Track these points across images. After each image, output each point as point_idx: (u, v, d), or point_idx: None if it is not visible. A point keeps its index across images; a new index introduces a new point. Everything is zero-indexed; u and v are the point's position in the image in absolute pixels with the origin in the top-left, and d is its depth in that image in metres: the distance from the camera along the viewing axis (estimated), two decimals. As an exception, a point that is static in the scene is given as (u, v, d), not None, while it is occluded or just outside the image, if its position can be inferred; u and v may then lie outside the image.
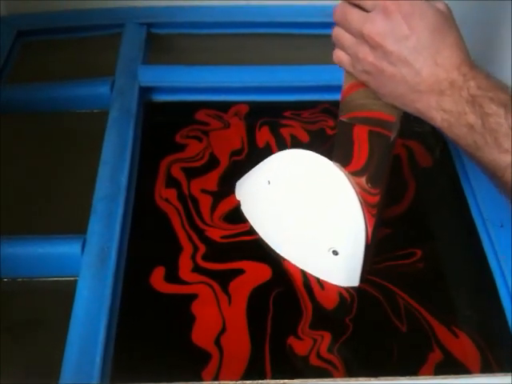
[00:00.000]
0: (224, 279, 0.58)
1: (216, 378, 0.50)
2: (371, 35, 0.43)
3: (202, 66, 0.78)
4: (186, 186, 0.67)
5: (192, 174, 0.68)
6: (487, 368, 0.51)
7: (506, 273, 0.57)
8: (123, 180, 0.63)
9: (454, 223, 0.65)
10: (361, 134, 0.51)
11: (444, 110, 0.42)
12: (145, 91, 0.77)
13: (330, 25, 0.86)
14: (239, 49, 0.87)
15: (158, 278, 0.58)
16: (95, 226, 0.59)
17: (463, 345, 0.53)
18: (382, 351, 0.53)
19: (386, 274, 0.58)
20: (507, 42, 0.65)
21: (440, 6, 0.44)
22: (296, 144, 0.71)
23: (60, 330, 0.51)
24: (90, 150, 0.68)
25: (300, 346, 0.53)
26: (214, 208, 0.64)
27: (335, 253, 0.55)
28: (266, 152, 0.67)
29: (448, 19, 0.43)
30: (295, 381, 0.35)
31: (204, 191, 0.66)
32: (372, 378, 0.30)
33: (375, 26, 0.42)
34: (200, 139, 0.72)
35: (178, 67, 0.78)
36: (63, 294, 0.55)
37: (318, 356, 0.52)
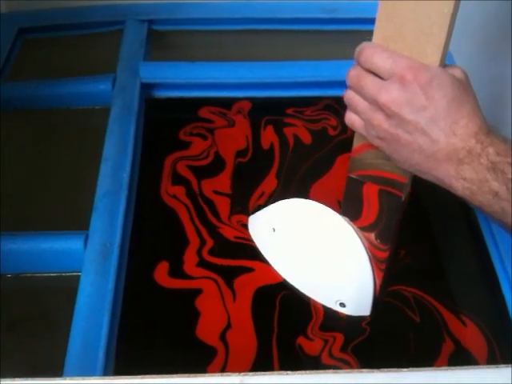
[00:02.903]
0: (229, 275, 0.58)
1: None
2: (387, 104, 0.41)
3: (203, 62, 0.78)
4: (196, 184, 0.66)
5: (200, 173, 0.68)
6: (491, 356, 0.52)
7: (506, 264, 0.58)
8: (125, 176, 0.63)
9: (456, 220, 0.65)
10: (370, 192, 0.51)
11: (464, 178, 0.41)
12: (146, 88, 0.77)
13: (330, 21, 0.87)
14: (240, 45, 0.87)
15: (161, 273, 0.58)
16: (97, 221, 0.59)
17: (471, 333, 0.54)
18: (396, 347, 0.54)
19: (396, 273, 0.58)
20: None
21: (457, 72, 0.42)
22: (299, 147, 0.71)
23: (63, 326, 0.52)
24: (91, 147, 0.68)
25: (310, 345, 0.53)
26: (233, 212, 0.64)
27: (342, 305, 0.55)
28: (270, 155, 0.68)
29: (465, 87, 0.42)
30: (298, 372, 0.35)
31: (218, 193, 0.66)
32: (375, 370, 0.30)
33: (391, 94, 0.41)
34: (204, 137, 0.72)
35: (179, 63, 0.78)
36: (66, 290, 0.55)
37: (331, 355, 0.52)
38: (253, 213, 0.62)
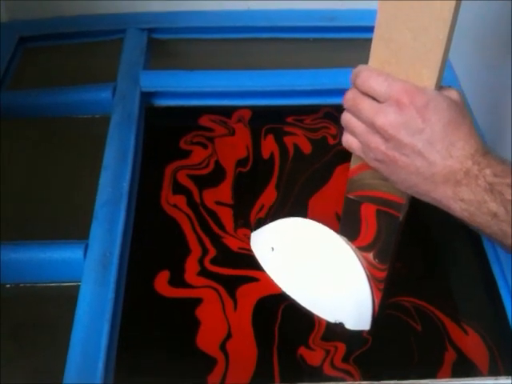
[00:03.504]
0: (231, 284, 0.58)
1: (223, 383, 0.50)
2: (384, 127, 0.42)
3: (203, 70, 0.78)
4: (197, 194, 0.66)
5: (201, 182, 0.68)
6: (493, 364, 0.52)
7: (506, 272, 0.58)
8: (125, 185, 0.63)
9: (455, 227, 0.65)
10: (368, 213, 0.51)
11: (462, 199, 0.41)
12: (146, 96, 0.77)
13: (330, 29, 0.88)
14: (240, 53, 0.87)
15: (162, 282, 0.58)
16: (97, 231, 0.59)
17: (473, 342, 0.54)
18: (399, 357, 0.53)
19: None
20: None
21: (453, 95, 0.43)
22: (299, 156, 0.71)
23: (63, 335, 0.51)
24: (91, 156, 0.68)
25: (312, 355, 0.53)
26: (237, 224, 0.63)
27: (341, 324, 0.55)
28: (270, 165, 0.69)
29: (461, 109, 0.42)
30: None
31: (220, 203, 0.66)
32: (375, 382, 0.30)
33: (388, 118, 0.41)
34: (205, 146, 0.72)
35: (179, 72, 0.78)
36: (66, 300, 0.55)
37: (332, 365, 0.52)
38: (255, 226, 0.62)
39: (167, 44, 0.88)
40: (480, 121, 0.71)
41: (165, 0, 0.88)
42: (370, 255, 0.53)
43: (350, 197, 0.52)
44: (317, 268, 0.56)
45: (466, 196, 0.41)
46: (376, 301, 0.54)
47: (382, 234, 0.51)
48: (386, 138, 0.42)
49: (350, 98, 0.45)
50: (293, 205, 0.65)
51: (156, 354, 0.53)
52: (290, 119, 0.76)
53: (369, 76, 0.43)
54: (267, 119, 0.76)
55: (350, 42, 0.88)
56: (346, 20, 0.88)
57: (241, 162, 0.70)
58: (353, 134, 0.46)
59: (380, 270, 0.53)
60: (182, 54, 0.88)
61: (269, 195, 0.66)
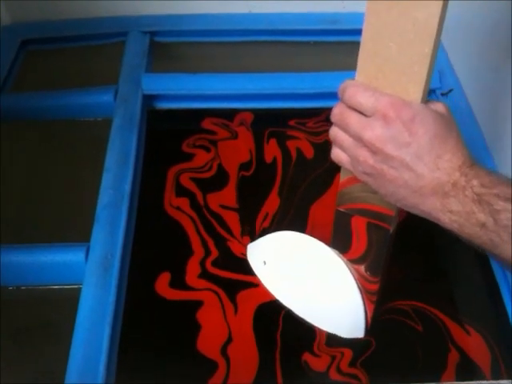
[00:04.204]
0: (231, 288, 0.58)
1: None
2: (371, 141, 0.42)
3: (205, 73, 0.78)
4: (200, 197, 0.66)
5: (204, 185, 0.68)
6: (495, 365, 0.52)
7: (506, 272, 0.58)
8: (126, 187, 0.63)
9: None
10: (359, 225, 0.51)
11: (451, 211, 0.41)
12: (148, 99, 0.77)
13: (332, 32, 0.88)
14: (242, 56, 0.87)
15: (163, 284, 0.58)
16: (99, 233, 0.59)
17: (475, 342, 0.54)
18: (404, 360, 0.53)
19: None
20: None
21: (439, 108, 0.43)
22: (301, 161, 0.71)
23: (64, 338, 0.51)
24: (93, 158, 0.68)
25: (317, 362, 0.53)
26: (244, 231, 0.63)
27: (335, 335, 0.55)
28: (273, 170, 0.69)
29: (448, 122, 0.43)
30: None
31: (225, 207, 0.66)
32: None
33: (375, 132, 0.42)
34: (208, 149, 0.72)
35: (181, 75, 0.78)
36: (67, 302, 0.55)
37: (339, 370, 0.52)
38: (258, 236, 0.62)
39: (169, 47, 0.88)
40: (482, 123, 0.71)
41: (167, 3, 0.88)
42: (362, 268, 0.53)
43: (341, 210, 0.52)
44: (309, 281, 0.56)
45: (454, 207, 0.41)
46: (369, 313, 0.54)
47: (373, 247, 0.52)
48: (374, 151, 0.43)
49: (338, 113, 0.45)
50: (295, 213, 0.65)
51: (157, 357, 0.53)
52: (292, 122, 0.76)
53: (356, 91, 0.43)
54: (269, 122, 0.76)
55: (352, 45, 0.86)
56: (348, 23, 0.88)
57: (244, 166, 0.70)
58: (341, 148, 0.46)
59: (372, 283, 0.53)
60: (184, 57, 0.88)
61: (272, 203, 0.66)
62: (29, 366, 0.52)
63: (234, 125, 0.76)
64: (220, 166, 0.70)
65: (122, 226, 0.60)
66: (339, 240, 0.54)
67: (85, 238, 0.59)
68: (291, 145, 0.73)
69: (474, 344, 0.54)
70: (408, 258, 0.61)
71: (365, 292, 0.54)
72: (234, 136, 0.74)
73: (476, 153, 0.67)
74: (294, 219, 0.64)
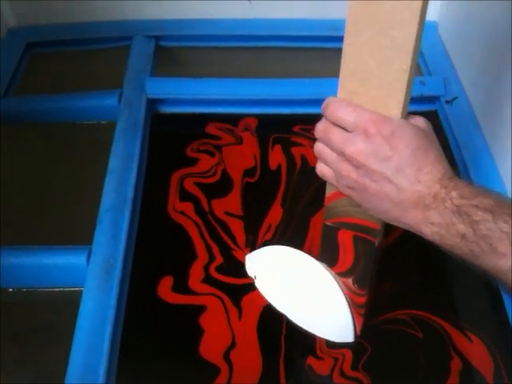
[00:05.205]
0: (235, 293, 0.57)
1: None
2: (353, 155, 0.43)
3: (209, 78, 0.78)
4: (205, 202, 0.66)
5: (208, 191, 0.67)
6: (497, 372, 0.52)
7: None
8: (129, 191, 0.63)
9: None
10: (346, 239, 0.52)
11: (432, 223, 0.42)
12: (152, 103, 0.77)
13: (337, 39, 0.87)
14: (246, 62, 0.87)
15: (165, 288, 0.57)
16: (101, 236, 0.59)
17: (477, 350, 0.54)
18: (406, 366, 0.53)
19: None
20: None
21: (419, 122, 0.44)
22: (306, 169, 0.71)
23: (64, 341, 0.51)
24: (97, 161, 0.68)
25: (320, 365, 0.52)
26: (248, 240, 0.63)
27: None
28: (277, 177, 0.69)
29: (428, 136, 0.43)
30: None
31: (230, 214, 0.65)
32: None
33: (356, 146, 0.43)
34: (212, 154, 0.72)
35: (185, 79, 0.78)
36: (68, 305, 0.55)
37: (342, 374, 0.52)
38: (259, 247, 0.62)
39: (174, 51, 0.89)
40: (484, 128, 0.71)
41: (172, 7, 0.88)
42: (350, 281, 0.54)
43: (328, 223, 0.52)
44: (298, 294, 0.56)
45: (435, 219, 0.41)
46: (357, 327, 0.54)
47: (359, 260, 0.52)
48: (356, 165, 0.43)
49: (321, 129, 0.46)
50: (296, 225, 0.64)
51: (158, 362, 0.53)
52: (296, 128, 0.76)
53: (337, 107, 0.44)
54: (274, 128, 0.76)
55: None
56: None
57: (248, 172, 0.70)
58: (325, 162, 0.47)
59: (360, 296, 0.53)
60: (189, 62, 0.88)
61: (275, 214, 0.65)
62: (28, 369, 0.52)
63: (238, 130, 0.75)
64: (224, 171, 0.70)
65: (125, 229, 0.59)
66: (327, 253, 0.55)
67: (87, 241, 0.58)
68: (296, 152, 0.73)
69: (477, 351, 0.53)
70: (407, 266, 0.61)
71: (353, 305, 0.54)
72: (239, 141, 0.74)
73: (479, 160, 0.67)
74: (295, 231, 0.63)
